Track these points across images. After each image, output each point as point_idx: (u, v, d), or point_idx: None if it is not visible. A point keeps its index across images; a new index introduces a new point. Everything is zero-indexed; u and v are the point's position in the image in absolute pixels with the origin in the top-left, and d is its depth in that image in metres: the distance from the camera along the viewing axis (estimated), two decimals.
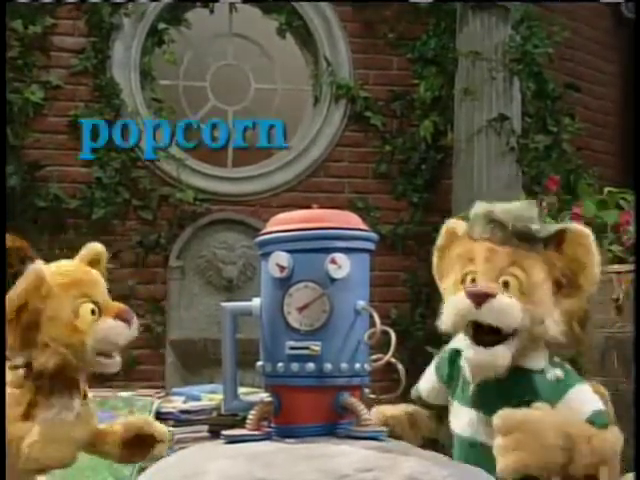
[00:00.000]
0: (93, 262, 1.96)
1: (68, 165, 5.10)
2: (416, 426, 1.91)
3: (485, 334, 1.68)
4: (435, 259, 1.89)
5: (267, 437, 1.49)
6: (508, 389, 1.73)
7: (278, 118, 5.48)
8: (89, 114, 5.10)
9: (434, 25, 5.57)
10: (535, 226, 1.72)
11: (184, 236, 5.24)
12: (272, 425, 1.52)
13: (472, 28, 5.06)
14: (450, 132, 5.25)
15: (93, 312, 1.85)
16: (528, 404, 1.68)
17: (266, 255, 1.52)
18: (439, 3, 5.42)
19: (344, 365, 1.48)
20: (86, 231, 4.94)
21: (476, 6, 5.02)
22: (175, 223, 5.24)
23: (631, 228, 4.29)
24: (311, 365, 1.46)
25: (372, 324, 1.50)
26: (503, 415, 1.62)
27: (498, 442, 1.60)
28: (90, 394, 1.96)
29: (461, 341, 1.83)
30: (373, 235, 1.56)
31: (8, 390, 1.81)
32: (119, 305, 1.89)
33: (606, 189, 4.95)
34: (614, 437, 1.71)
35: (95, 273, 1.93)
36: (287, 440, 1.46)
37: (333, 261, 1.47)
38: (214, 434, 2.45)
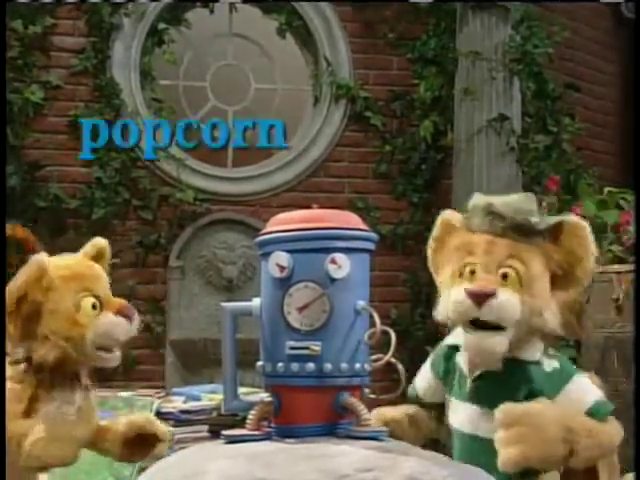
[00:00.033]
0: (96, 257, 1.97)
1: (68, 165, 5.09)
2: (416, 427, 1.91)
3: (484, 326, 1.70)
4: (431, 250, 1.90)
5: (267, 437, 1.49)
6: (505, 381, 1.74)
7: (278, 118, 5.48)
8: (89, 114, 5.09)
9: (434, 25, 5.57)
10: (534, 218, 1.74)
11: (184, 236, 5.24)
12: (272, 425, 1.52)
13: (472, 28, 5.05)
14: (450, 132, 5.25)
15: (94, 306, 1.85)
16: (526, 396, 1.70)
17: (266, 255, 1.52)
18: (439, 3, 5.41)
19: (344, 365, 1.48)
20: (86, 231, 4.93)
21: (476, 6, 5.02)
22: (175, 223, 5.24)
23: (631, 228, 4.30)
24: (311, 365, 1.46)
25: (372, 324, 1.50)
26: (505, 408, 1.63)
27: (500, 435, 1.61)
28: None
29: (456, 337, 1.85)
30: (373, 235, 1.56)
31: (9, 385, 1.81)
32: (121, 301, 1.89)
33: (606, 189, 4.96)
34: (614, 430, 1.73)
35: (98, 268, 1.94)
36: (287, 440, 1.46)
37: (333, 261, 1.47)
38: (214, 434, 2.45)
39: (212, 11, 5.48)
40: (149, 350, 5.09)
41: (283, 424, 1.50)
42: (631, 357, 3.25)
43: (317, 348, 1.46)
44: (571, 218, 1.77)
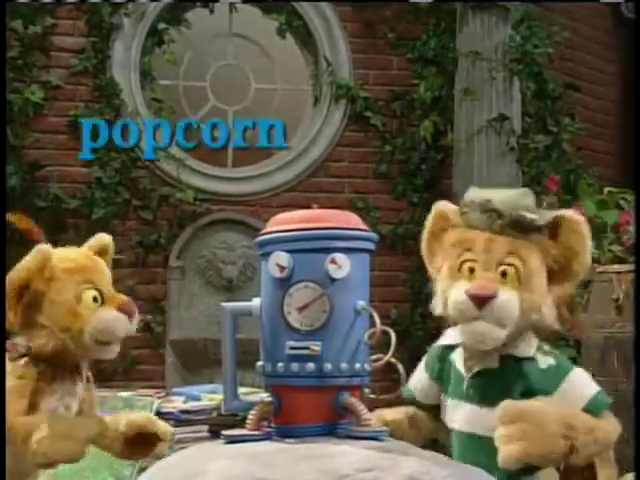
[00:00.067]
0: (100, 252, 1.97)
1: (68, 165, 5.09)
2: (416, 428, 1.92)
3: None
4: (424, 241, 1.90)
5: (267, 437, 1.49)
6: (501, 379, 1.75)
7: (278, 118, 5.48)
8: (89, 114, 5.09)
9: (434, 25, 5.56)
10: (532, 215, 1.74)
11: (184, 236, 5.24)
12: (272, 425, 1.52)
13: (472, 28, 5.05)
14: (450, 132, 5.25)
15: (95, 299, 1.85)
16: (523, 393, 1.71)
17: (266, 255, 1.52)
18: (439, 3, 5.41)
19: (344, 365, 1.48)
20: (86, 231, 4.92)
21: (476, 6, 5.02)
22: (175, 223, 5.24)
23: (631, 228, 4.30)
24: (311, 365, 1.46)
25: (372, 324, 1.50)
26: (505, 406, 1.63)
27: (501, 432, 1.62)
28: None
29: (450, 337, 1.85)
30: (373, 235, 1.56)
31: (10, 381, 1.80)
32: (122, 297, 1.89)
33: (606, 189, 4.96)
34: (611, 426, 1.74)
35: (101, 262, 1.94)
36: (287, 440, 1.46)
37: (333, 261, 1.47)
38: (214, 434, 2.45)
39: (212, 11, 5.48)
40: (149, 350, 5.09)
41: (283, 424, 1.50)
42: (631, 357, 3.25)
43: (317, 348, 1.46)
44: (568, 213, 1.78)
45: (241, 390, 1.62)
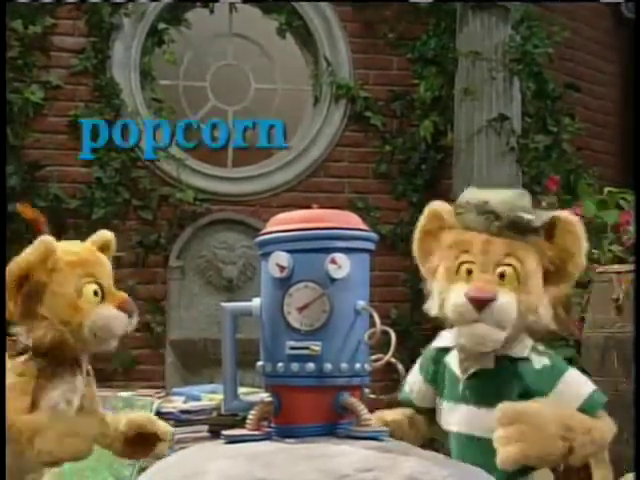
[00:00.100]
0: (102, 249, 1.98)
1: (68, 165, 5.09)
2: (416, 428, 1.92)
3: None
4: (417, 241, 1.89)
5: (267, 437, 1.49)
6: (498, 380, 1.75)
7: (278, 118, 5.48)
8: (89, 114, 5.09)
9: (434, 25, 5.57)
10: (529, 216, 1.74)
11: (184, 236, 5.24)
12: (272, 425, 1.52)
13: (472, 28, 5.05)
14: (450, 132, 5.25)
15: (96, 293, 1.85)
16: (520, 394, 1.71)
17: (266, 255, 1.52)
18: (439, 3, 5.41)
19: (344, 365, 1.48)
20: (86, 231, 4.88)
21: (476, 6, 5.02)
22: (175, 223, 5.24)
23: (631, 228, 4.30)
24: (311, 365, 1.46)
25: (372, 324, 1.50)
26: (503, 407, 1.64)
27: (499, 433, 1.62)
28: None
29: (445, 339, 1.85)
30: (373, 235, 1.56)
31: (10, 379, 1.80)
32: (123, 295, 1.90)
33: (606, 189, 4.96)
34: (607, 427, 1.75)
35: (103, 257, 1.95)
36: (287, 440, 1.46)
37: (333, 261, 1.47)
38: (214, 434, 2.45)
39: (212, 11, 5.48)
40: (149, 350, 5.09)
41: (283, 424, 1.50)
42: (631, 357, 3.24)
43: (317, 348, 1.46)
44: (563, 214, 1.78)
45: (241, 390, 1.62)
